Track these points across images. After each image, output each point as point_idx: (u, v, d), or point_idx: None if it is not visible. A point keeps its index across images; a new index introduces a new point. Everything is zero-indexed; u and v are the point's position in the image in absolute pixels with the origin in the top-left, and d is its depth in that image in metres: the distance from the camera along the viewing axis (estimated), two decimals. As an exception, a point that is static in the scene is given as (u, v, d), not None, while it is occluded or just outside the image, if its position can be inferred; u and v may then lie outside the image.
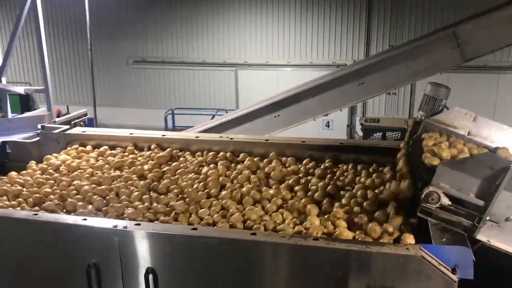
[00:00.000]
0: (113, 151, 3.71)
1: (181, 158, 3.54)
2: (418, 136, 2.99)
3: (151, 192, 3.01)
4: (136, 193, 2.95)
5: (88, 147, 3.81)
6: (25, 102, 14.13)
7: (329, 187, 2.85)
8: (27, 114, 5.40)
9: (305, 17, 12.98)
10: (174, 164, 3.42)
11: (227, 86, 14.00)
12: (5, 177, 3.36)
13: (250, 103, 6.04)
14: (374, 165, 3.21)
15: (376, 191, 2.76)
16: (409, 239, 2.24)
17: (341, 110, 4.92)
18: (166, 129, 13.05)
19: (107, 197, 2.92)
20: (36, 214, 2.53)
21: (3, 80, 4.82)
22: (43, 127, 4.10)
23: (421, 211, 2.24)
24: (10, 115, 4.89)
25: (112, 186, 3.06)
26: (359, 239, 2.26)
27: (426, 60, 4.58)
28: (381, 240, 2.26)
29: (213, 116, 12.78)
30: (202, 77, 14.15)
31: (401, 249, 2.05)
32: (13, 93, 5.26)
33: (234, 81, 13.84)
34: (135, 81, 14.66)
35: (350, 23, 12.73)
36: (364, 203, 2.61)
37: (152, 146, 3.74)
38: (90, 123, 4.79)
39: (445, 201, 2.19)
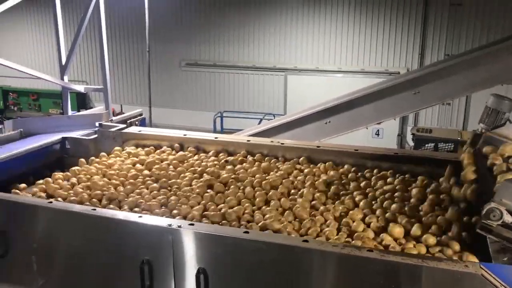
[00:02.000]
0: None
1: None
2: (477, 149, 2.89)
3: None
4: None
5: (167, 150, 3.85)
6: (81, 100, 14.73)
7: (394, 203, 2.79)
8: (86, 111, 5.63)
9: (358, 23, 12.82)
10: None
11: (276, 91, 14.03)
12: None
13: (298, 108, 6.01)
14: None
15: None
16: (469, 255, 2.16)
17: (394, 119, 4.84)
18: (215, 131, 13.22)
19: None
20: (95, 209, 2.62)
21: (65, 78, 5.04)
22: (100, 125, 4.25)
23: (481, 227, 2.16)
24: (69, 112, 5.09)
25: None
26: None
27: (487, 71, 4.43)
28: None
29: (260, 120, 12.84)
30: (252, 81, 14.27)
31: (459, 265, 1.98)
32: (73, 91, 5.47)
33: (283, 86, 13.85)
34: (186, 83, 14.96)
35: (404, 30, 12.46)
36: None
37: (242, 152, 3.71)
38: (142, 123, 4.93)
39: (508, 218, 2.10)
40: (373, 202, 2.81)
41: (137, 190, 3.13)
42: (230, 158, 3.56)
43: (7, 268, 2.76)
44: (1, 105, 15.95)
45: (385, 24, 12.59)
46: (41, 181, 3.33)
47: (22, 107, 15.87)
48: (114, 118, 4.76)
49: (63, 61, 4.96)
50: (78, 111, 8.29)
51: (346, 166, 3.34)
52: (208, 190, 3.06)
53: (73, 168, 3.53)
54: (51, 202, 2.75)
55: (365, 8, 12.69)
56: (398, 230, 2.45)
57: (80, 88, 5.50)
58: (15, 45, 16.50)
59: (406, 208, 2.69)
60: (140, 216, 2.50)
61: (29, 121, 4.43)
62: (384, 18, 12.58)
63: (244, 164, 3.46)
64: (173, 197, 2.98)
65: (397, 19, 12.48)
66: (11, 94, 15.84)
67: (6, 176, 3.49)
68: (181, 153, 3.74)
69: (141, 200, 2.95)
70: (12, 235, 2.73)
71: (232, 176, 3.21)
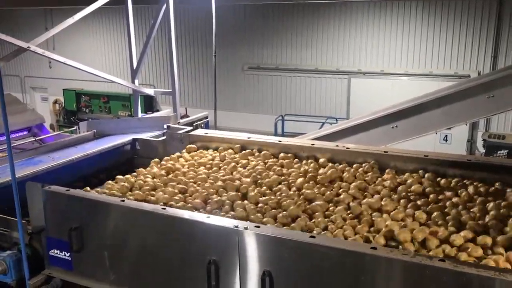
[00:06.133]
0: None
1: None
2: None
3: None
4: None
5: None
6: (148, 103, 15.30)
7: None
8: (155, 114, 5.84)
9: (426, 23, 12.34)
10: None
11: (339, 94, 13.84)
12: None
13: (362, 112, 5.89)
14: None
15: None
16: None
17: (466, 124, 4.64)
18: (276, 134, 13.26)
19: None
20: (164, 209, 2.70)
21: (136, 82, 5.25)
22: (168, 127, 4.40)
23: None
24: (140, 114, 5.30)
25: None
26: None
27: None
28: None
29: (323, 124, 12.72)
30: (314, 84, 14.16)
31: (542, 281, 1.85)
32: (142, 94, 5.69)
33: (347, 89, 13.63)
34: (248, 87, 15.11)
35: (476, 30, 11.85)
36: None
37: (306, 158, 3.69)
38: (206, 125, 5.06)
39: None
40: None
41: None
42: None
43: (83, 262, 2.90)
44: (74, 107, 16.92)
45: (455, 24, 12.03)
46: (120, 177, 3.48)
47: (93, 109, 16.75)
48: (181, 120, 4.91)
49: (134, 65, 5.18)
50: (145, 113, 8.62)
51: (426, 175, 3.20)
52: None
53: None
54: (123, 200, 2.86)
55: (434, 8, 12.19)
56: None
57: (150, 91, 5.71)
58: (88, 50, 17.41)
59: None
60: (208, 217, 2.55)
61: (102, 122, 4.67)
62: (454, 18, 12.02)
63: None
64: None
65: (468, 19, 11.89)
66: (83, 96, 16.76)
67: (81, 174, 3.69)
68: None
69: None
70: (87, 232, 2.87)
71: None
